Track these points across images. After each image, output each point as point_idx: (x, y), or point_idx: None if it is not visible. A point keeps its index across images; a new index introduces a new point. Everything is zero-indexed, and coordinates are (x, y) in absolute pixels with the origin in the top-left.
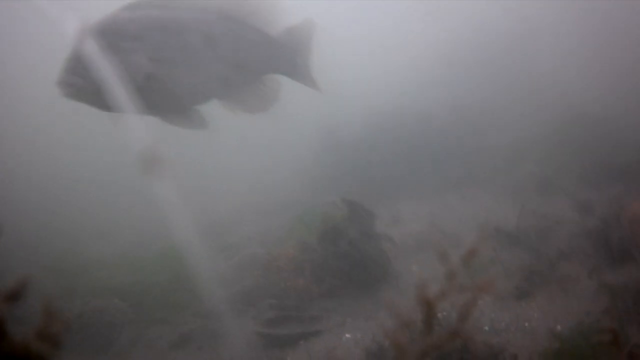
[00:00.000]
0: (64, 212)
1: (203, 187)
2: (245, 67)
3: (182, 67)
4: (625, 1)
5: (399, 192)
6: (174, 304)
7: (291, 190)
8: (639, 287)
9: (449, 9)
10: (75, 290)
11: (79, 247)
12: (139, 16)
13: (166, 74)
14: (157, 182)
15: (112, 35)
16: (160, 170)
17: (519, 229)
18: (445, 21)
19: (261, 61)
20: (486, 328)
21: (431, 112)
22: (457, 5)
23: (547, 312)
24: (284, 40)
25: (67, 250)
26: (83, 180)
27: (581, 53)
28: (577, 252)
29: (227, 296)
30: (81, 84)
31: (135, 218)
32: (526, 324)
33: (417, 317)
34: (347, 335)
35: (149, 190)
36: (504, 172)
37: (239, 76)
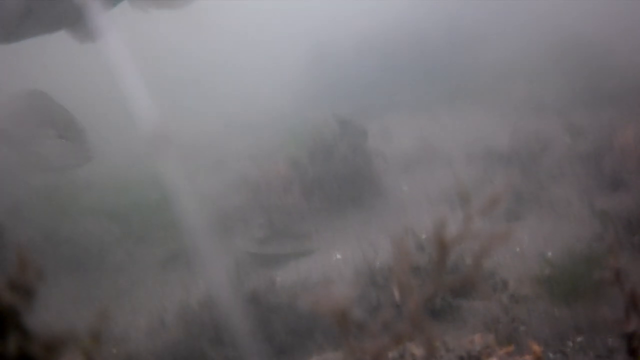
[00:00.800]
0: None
1: (192, 102)
2: None
3: None
4: None
5: (390, 109)
6: (162, 223)
7: (280, 104)
8: (630, 213)
9: None
10: (64, 212)
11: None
12: None
13: None
14: (145, 101)
15: None
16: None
17: (510, 149)
18: None
19: None
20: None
21: (424, 31)
22: None
23: (538, 235)
24: None
25: (57, 174)
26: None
27: None
28: (568, 175)
29: (216, 214)
30: None
31: (123, 139)
32: (516, 248)
33: (412, 239)
34: (338, 255)
35: (137, 108)
36: (496, 90)
37: None
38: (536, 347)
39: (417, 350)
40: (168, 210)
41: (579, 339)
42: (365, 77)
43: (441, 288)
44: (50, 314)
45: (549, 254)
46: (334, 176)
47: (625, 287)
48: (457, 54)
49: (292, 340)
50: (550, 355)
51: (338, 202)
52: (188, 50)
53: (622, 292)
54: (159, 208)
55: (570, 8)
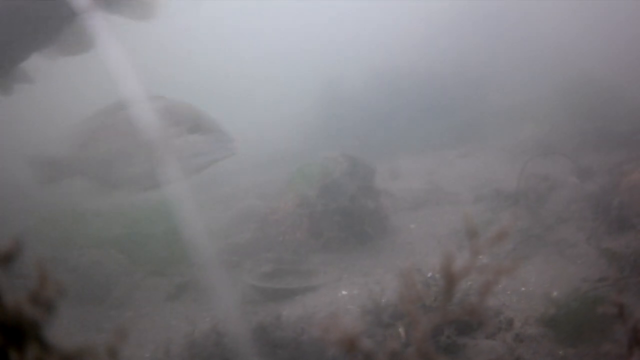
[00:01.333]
0: None
1: None
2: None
3: None
4: None
5: (399, 148)
6: (170, 255)
7: (290, 143)
8: (637, 254)
9: None
10: (71, 242)
11: (75, 199)
12: None
13: None
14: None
15: None
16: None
17: (518, 191)
18: None
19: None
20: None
21: (434, 70)
22: None
23: (544, 276)
24: None
25: (64, 201)
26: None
27: (586, 16)
28: (575, 217)
29: (223, 248)
30: None
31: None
32: (522, 288)
33: (418, 277)
34: (344, 292)
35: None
36: (505, 132)
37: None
38: None
39: None
40: (176, 243)
41: None
42: (375, 115)
43: (447, 319)
44: (55, 342)
45: (555, 293)
46: (342, 214)
47: (629, 323)
48: (467, 94)
49: None
50: None
51: (345, 239)
52: (200, 86)
53: (625, 328)
54: (167, 240)
55: (579, 49)
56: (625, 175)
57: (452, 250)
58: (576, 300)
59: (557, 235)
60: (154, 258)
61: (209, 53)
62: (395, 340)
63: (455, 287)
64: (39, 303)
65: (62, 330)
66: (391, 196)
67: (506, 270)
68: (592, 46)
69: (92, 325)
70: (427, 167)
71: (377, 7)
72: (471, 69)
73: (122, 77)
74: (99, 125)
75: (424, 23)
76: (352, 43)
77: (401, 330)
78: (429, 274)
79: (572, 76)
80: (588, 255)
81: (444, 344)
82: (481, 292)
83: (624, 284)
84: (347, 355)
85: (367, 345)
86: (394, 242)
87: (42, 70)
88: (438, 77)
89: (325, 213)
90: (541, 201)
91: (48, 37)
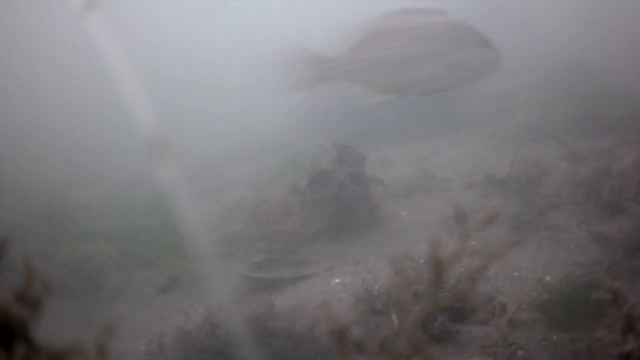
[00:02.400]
0: (51, 159)
1: (190, 128)
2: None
3: None
4: None
5: (390, 135)
6: (161, 247)
7: (280, 133)
8: (629, 238)
9: None
10: (63, 235)
11: (66, 193)
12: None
13: None
14: (144, 125)
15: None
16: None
17: (509, 176)
18: None
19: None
20: (475, 275)
21: None
22: None
23: (536, 261)
24: None
25: (55, 195)
26: (69, 127)
27: (578, 3)
28: (567, 202)
29: (215, 239)
30: None
31: (122, 162)
32: (515, 273)
33: (410, 264)
34: (336, 280)
35: (134, 132)
36: (496, 118)
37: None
38: None
39: None
40: (167, 235)
41: None
42: (365, 105)
43: (438, 305)
44: (46, 338)
45: (547, 278)
46: (333, 202)
47: (623, 309)
48: None
49: None
50: None
51: (337, 228)
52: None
53: (619, 314)
54: (159, 232)
55: (571, 36)
56: (617, 159)
57: (441, 236)
58: (569, 285)
59: (549, 221)
60: (146, 250)
61: (200, 42)
62: (388, 328)
63: (445, 274)
64: (26, 301)
65: (53, 325)
66: (382, 184)
67: (496, 254)
68: (582, 32)
69: (85, 319)
70: (417, 154)
71: None
72: None
73: None
74: (380, 28)
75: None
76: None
77: (394, 317)
78: (422, 261)
79: (562, 61)
80: (580, 240)
81: (437, 330)
82: (472, 278)
83: (616, 269)
84: (338, 344)
85: (358, 335)
86: (385, 230)
87: None
88: None
89: (316, 202)
90: (533, 187)
91: None
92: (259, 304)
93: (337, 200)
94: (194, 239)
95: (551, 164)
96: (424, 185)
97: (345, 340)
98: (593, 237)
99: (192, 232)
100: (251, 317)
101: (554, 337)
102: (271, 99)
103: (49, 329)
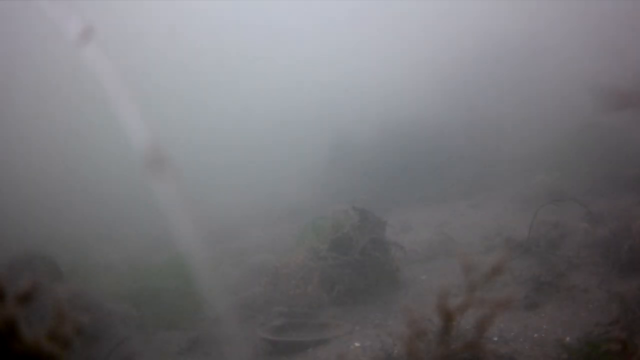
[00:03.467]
0: (71, 217)
1: (214, 192)
2: None
3: None
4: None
5: (410, 199)
6: (182, 309)
7: (302, 197)
8: None
9: (464, 23)
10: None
11: (86, 252)
12: None
13: None
14: (165, 187)
15: None
16: (168, 175)
17: (529, 238)
18: (460, 35)
19: None
20: (495, 338)
21: (443, 122)
22: (471, 21)
23: (556, 322)
24: None
25: (76, 255)
26: (89, 188)
27: (593, 63)
28: (587, 262)
29: (235, 302)
30: None
31: (143, 223)
32: (535, 335)
33: (428, 326)
34: (356, 344)
35: (156, 194)
36: (515, 181)
37: None
38: None
39: None
40: (188, 297)
41: None
42: (385, 167)
43: (448, 354)
44: None
45: (567, 339)
46: (353, 266)
47: (632, 358)
48: (476, 145)
49: None
50: None
51: (357, 292)
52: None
53: None
54: (179, 294)
55: (590, 96)
56: (636, 219)
57: (448, 287)
58: (588, 344)
59: (569, 281)
60: (166, 312)
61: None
62: None
63: (453, 324)
64: (56, 339)
65: None
66: (402, 248)
67: (502, 303)
68: (601, 94)
69: None
70: (437, 218)
71: (386, 59)
72: (481, 121)
73: None
74: None
75: (435, 74)
76: (362, 97)
77: None
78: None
79: (582, 123)
80: (600, 300)
81: None
82: (480, 326)
83: (634, 325)
84: None
85: None
86: (405, 294)
87: None
88: (448, 128)
89: (336, 266)
90: (552, 248)
91: None
92: None
93: (358, 266)
94: (214, 302)
95: (570, 225)
96: (443, 249)
97: None
98: (612, 296)
99: (212, 295)
100: None
101: None
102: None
103: None
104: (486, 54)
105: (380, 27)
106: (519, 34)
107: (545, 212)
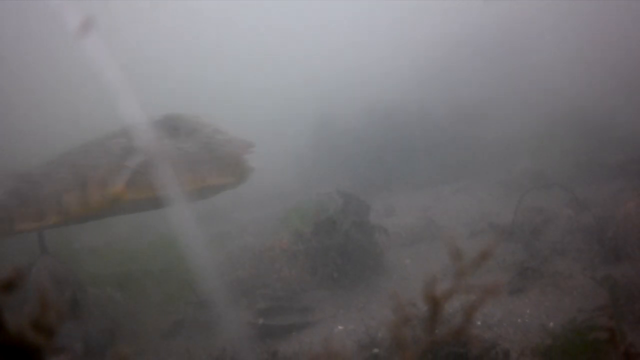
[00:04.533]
0: None
1: None
2: None
3: None
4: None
5: (394, 183)
6: (166, 293)
7: (285, 181)
8: (632, 283)
9: (447, 7)
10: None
11: (73, 235)
12: None
13: None
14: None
15: None
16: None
17: (513, 224)
18: (443, 20)
19: None
20: (479, 323)
21: (427, 107)
22: (454, 4)
23: (540, 308)
24: None
25: (60, 239)
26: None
27: (578, 49)
28: (571, 248)
29: (219, 286)
30: None
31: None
32: (518, 320)
33: (413, 311)
34: (340, 327)
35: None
36: (499, 166)
37: None
38: None
39: None
40: (172, 280)
41: None
42: (369, 152)
43: (435, 342)
44: None
45: (551, 324)
46: (337, 250)
47: (620, 347)
48: (460, 130)
49: None
50: None
51: (341, 275)
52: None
53: (617, 353)
54: (164, 277)
55: (572, 81)
56: (620, 205)
57: (433, 272)
58: (572, 330)
59: (553, 267)
60: (151, 296)
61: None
62: None
63: (440, 310)
64: (41, 328)
65: None
66: (386, 232)
67: (491, 290)
68: (585, 80)
69: None
70: (421, 203)
71: (370, 43)
72: (465, 106)
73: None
74: None
75: (418, 59)
76: (346, 80)
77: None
78: (425, 308)
79: (566, 109)
80: (584, 286)
81: None
82: (467, 313)
83: (619, 313)
84: None
85: None
86: (389, 278)
87: None
88: (431, 113)
89: (320, 250)
90: (537, 234)
91: None
92: (263, 350)
93: (342, 249)
94: (198, 285)
95: (555, 211)
96: (427, 234)
97: None
98: (596, 282)
99: (197, 278)
100: None
101: None
102: (276, 146)
103: None
104: (470, 39)
105: (364, 10)
106: (504, 19)
107: (529, 197)
